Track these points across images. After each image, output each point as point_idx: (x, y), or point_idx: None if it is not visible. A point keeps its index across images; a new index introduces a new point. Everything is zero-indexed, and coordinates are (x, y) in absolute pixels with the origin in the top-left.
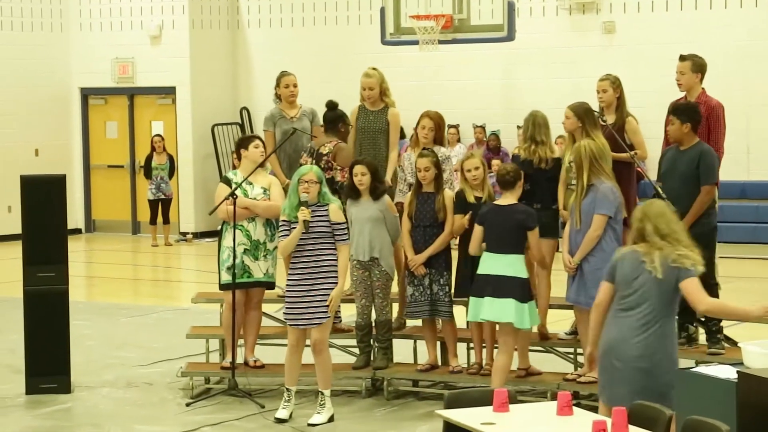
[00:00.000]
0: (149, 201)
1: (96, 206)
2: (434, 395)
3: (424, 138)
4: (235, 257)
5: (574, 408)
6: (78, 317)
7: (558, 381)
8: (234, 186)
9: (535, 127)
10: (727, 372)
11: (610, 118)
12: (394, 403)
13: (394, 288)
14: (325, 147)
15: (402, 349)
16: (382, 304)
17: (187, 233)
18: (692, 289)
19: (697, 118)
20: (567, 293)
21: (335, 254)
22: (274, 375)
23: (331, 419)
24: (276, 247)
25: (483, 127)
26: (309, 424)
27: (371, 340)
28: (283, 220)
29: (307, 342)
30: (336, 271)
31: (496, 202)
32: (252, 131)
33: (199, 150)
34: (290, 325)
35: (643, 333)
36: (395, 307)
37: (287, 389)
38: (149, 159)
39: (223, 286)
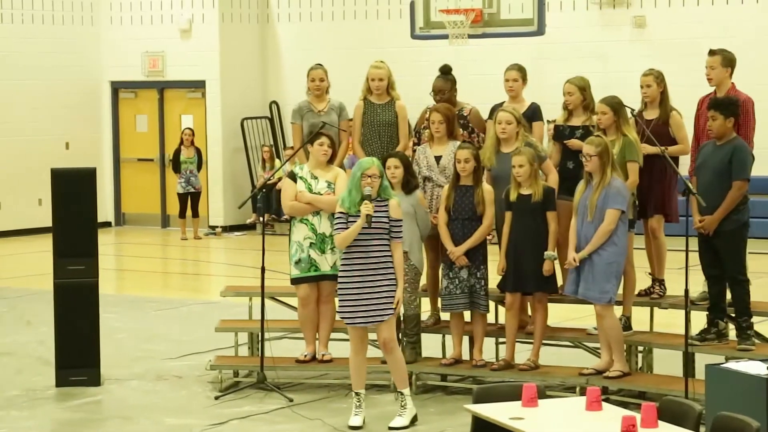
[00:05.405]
0: (179, 194)
1: (126, 199)
2: (463, 390)
3: (437, 132)
4: (264, 252)
5: (603, 403)
6: (108, 310)
7: (585, 376)
8: (263, 181)
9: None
10: (757, 368)
11: (654, 113)
12: (422, 397)
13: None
14: (465, 109)
15: (431, 344)
16: (410, 298)
17: (216, 227)
18: None
19: (739, 112)
20: (568, 287)
21: (389, 250)
22: (303, 369)
23: (413, 421)
24: None
25: None
26: (390, 428)
27: (399, 334)
28: (341, 213)
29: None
30: (392, 268)
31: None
32: (281, 126)
33: (228, 144)
34: (351, 324)
35: None
36: (424, 301)
37: (356, 394)
38: (177, 153)
39: (292, 281)
